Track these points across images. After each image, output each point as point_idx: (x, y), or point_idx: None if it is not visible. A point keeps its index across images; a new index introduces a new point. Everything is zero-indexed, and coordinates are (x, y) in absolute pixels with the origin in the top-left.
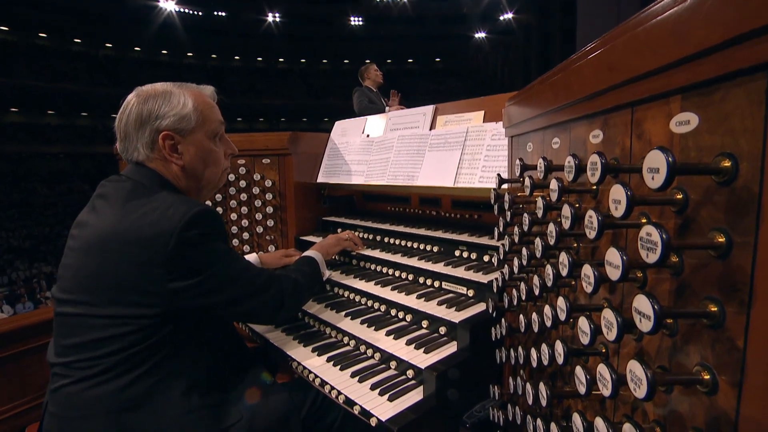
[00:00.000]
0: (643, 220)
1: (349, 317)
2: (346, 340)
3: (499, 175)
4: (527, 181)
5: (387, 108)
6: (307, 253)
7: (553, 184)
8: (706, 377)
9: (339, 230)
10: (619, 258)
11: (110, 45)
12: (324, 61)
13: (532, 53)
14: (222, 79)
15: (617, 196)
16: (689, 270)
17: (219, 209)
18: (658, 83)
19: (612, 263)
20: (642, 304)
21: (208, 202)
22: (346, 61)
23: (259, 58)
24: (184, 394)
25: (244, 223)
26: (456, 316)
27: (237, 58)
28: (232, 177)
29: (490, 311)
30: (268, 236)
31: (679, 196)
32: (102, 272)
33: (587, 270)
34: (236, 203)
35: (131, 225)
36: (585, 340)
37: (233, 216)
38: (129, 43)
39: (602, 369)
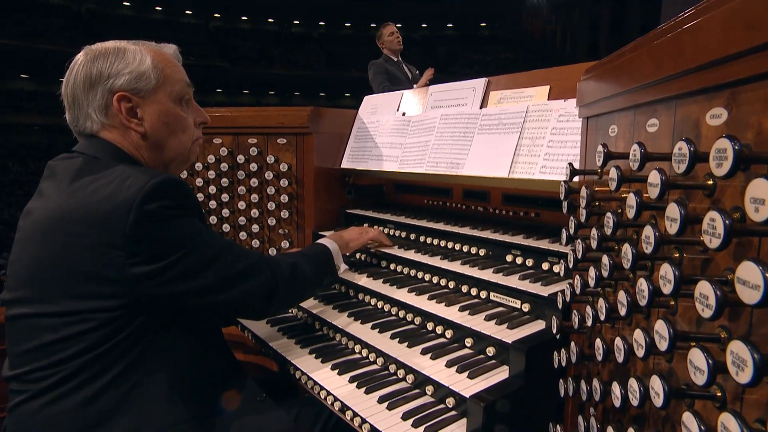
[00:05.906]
0: None
1: (377, 330)
2: (372, 356)
3: (570, 164)
4: (613, 173)
5: (414, 86)
6: (320, 240)
7: (654, 177)
8: None
9: (366, 226)
10: (759, 275)
11: None
12: (347, 24)
13: (601, 16)
14: (226, 43)
15: (759, 193)
16: None
17: (225, 196)
18: None
19: (747, 282)
20: None
21: (212, 188)
22: (372, 24)
23: (271, 20)
24: (166, 404)
25: (254, 213)
26: (508, 335)
27: (244, 18)
28: (241, 159)
29: (554, 331)
30: (281, 230)
31: None
32: (49, 262)
33: (705, 288)
34: (245, 189)
35: (80, 203)
36: (700, 379)
37: (241, 204)
38: None
39: (727, 420)
